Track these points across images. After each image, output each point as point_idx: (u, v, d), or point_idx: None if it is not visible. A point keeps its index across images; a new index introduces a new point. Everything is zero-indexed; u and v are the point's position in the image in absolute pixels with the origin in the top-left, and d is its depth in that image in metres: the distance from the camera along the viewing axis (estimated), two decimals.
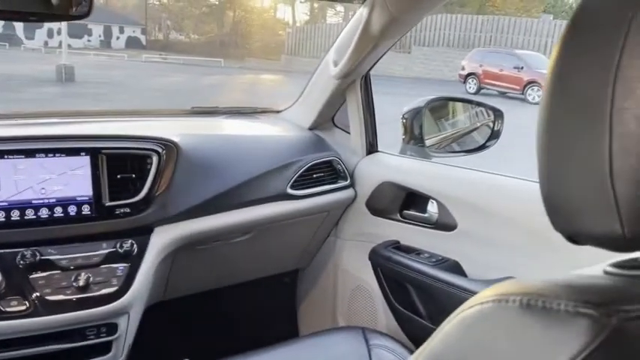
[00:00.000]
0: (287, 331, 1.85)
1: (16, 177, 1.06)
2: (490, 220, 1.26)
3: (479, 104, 1.61)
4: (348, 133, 1.62)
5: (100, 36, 29.37)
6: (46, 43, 24.03)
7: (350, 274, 1.64)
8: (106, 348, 1.14)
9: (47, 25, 25.44)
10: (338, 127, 1.69)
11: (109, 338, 1.13)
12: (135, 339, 1.22)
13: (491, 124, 1.54)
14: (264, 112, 1.86)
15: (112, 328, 1.12)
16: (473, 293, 0.65)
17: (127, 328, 1.15)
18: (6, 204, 1.05)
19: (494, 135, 1.52)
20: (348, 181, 1.56)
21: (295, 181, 1.43)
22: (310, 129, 1.65)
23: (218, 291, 1.58)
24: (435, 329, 0.43)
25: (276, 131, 1.65)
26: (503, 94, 14.15)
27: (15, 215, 1.05)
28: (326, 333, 1.33)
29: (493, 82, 14.55)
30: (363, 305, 1.60)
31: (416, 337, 1.41)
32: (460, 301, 0.43)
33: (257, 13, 33.00)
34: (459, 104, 1.67)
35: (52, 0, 0.92)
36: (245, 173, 1.36)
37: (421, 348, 0.43)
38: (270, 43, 29.76)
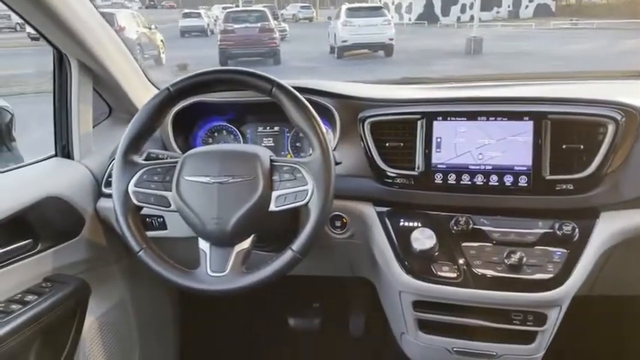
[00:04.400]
0: None
1: (457, 140, 1.03)
2: None
3: None
4: None
5: (508, 6, 29.34)
6: (458, 19, 25.63)
7: None
8: (529, 337, 1.02)
9: (461, 1, 27.12)
10: None
11: (536, 329, 1.01)
12: None
13: None
14: None
15: (541, 319, 0.99)
16: None
17: (556, 322, 1.00)
18: (444, 166, 1.03)
19: None
20: None
21: None
22: None
23: None
24: None
25: None
26: None
27: (452, 179, 1.03)
28: None
29: None
30: None
31: None
32: None
33: None
34: None
35: None
36: None
37: None
38: None
